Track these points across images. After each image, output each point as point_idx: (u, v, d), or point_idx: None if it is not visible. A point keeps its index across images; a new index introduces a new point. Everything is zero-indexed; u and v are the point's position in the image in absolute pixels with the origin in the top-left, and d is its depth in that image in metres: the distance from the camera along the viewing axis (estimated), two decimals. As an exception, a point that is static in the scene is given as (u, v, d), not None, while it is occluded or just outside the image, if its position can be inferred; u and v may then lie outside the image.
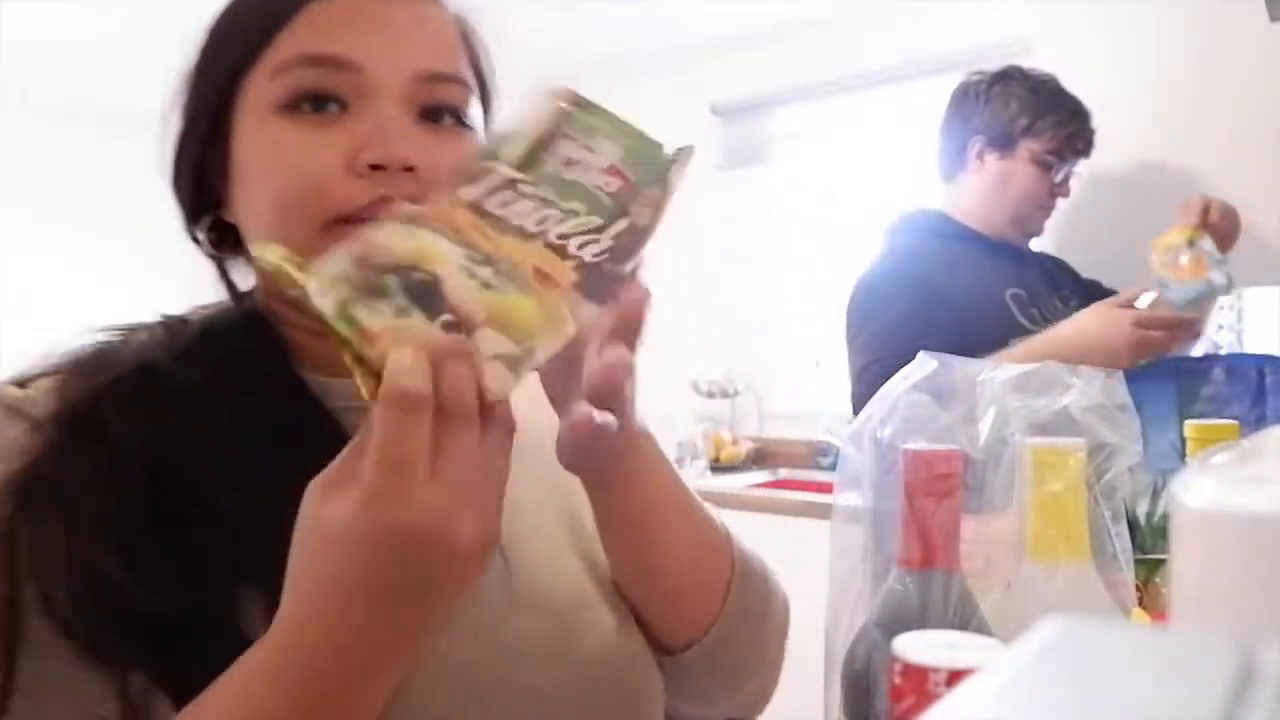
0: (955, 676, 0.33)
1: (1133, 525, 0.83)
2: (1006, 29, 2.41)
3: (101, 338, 0.56)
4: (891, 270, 1.52)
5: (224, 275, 0.60)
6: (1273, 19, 1.42)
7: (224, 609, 0.47)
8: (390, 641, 0.41)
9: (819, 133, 3.05)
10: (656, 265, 0.48)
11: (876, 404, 0.64)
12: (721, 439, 2.97)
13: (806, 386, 3.08)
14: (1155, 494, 0.85)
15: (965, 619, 0.48)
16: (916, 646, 0.35)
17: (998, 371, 0.62)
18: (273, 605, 0.42)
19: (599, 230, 0.46)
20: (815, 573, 0.85)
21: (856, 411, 1.60)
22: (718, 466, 2.89)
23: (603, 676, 0.56)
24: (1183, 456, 0.78)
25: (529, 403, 0.50)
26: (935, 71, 2.72)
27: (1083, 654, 0.20)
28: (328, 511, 0.39)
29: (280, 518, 0.41)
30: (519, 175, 0.46)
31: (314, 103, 0.53)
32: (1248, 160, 1.71)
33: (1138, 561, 0.67)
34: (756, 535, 0.76)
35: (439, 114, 0.56)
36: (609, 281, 0.45)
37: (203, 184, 0.58)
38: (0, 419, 0.49)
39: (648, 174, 0.48)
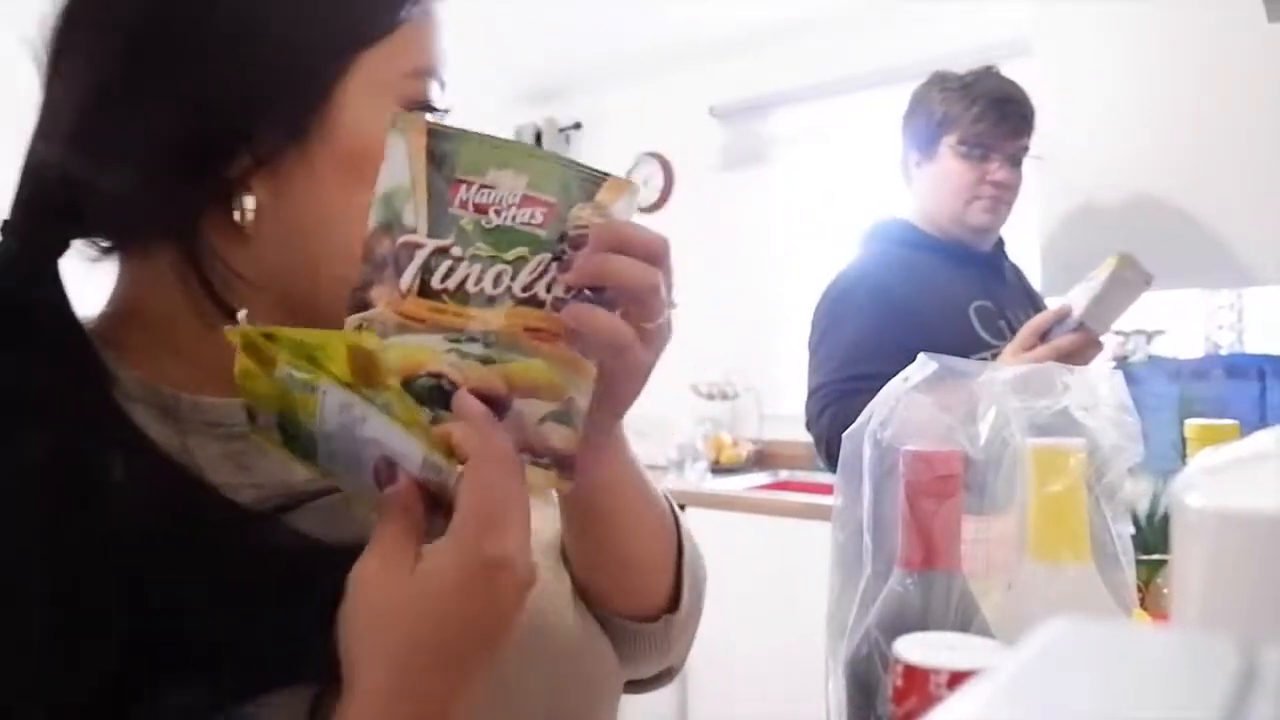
0: (957, 678, 0.33)
1: (1134, 526, 0.83)
2: (1005, 30, 2.42)
3: None
4: (853, 284, 1.50)
5: (205, 253, 0.49)
6: (1271, 19, 1.42)
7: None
8: (470, 675, 0.43)
9: (818, 134, 3.05)
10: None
11: (877, 405, 0.64)
12: (722, 441, 2.97)
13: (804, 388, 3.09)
14: (1156, 494, 0.85)
15: (966, 620, 0.48)
16: (918, 648, 0.35)
17: (998, 372, 0.62)
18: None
19: (552, 264, 0.45)
20: (816, 574, 0.85)
21: (811, 430, 1.57)
22: (718, 469, 2.89)
23: (568, 666, 0.58)
24: (1183, 457, 0.78)
25: None
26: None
27: (1084, 655, 0.20)
28: (420, 576, 0.42)
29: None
30: (441, 242, 0.44)
31: (430, 110, 0.52)
32: (1246, 159, 1.71)
33: (1139, 562, 0.66)
34: (757, 537, 0.76)
35: None
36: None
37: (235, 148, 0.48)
38: None
39: (565, 192, 0.45)
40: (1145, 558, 0.78)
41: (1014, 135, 1.50)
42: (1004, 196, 1.52)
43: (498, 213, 0.44)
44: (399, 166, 0.43)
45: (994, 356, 1.37)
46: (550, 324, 0.45)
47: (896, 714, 0.35)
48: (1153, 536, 0.84)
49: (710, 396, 3.02)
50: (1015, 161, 1.51)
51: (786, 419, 3.05)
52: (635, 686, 0.69)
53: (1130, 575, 0.60)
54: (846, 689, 0.52)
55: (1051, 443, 0.52)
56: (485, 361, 0.44)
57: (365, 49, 0.49)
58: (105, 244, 0.51)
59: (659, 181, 3.27)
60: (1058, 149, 1.71)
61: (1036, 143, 1.55)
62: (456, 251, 0.44)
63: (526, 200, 0.44)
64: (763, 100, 3.09)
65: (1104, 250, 1.75)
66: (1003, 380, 0.61)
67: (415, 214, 0.44)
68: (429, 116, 0.46)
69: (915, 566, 0.48)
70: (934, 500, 0.48)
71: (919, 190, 1.57)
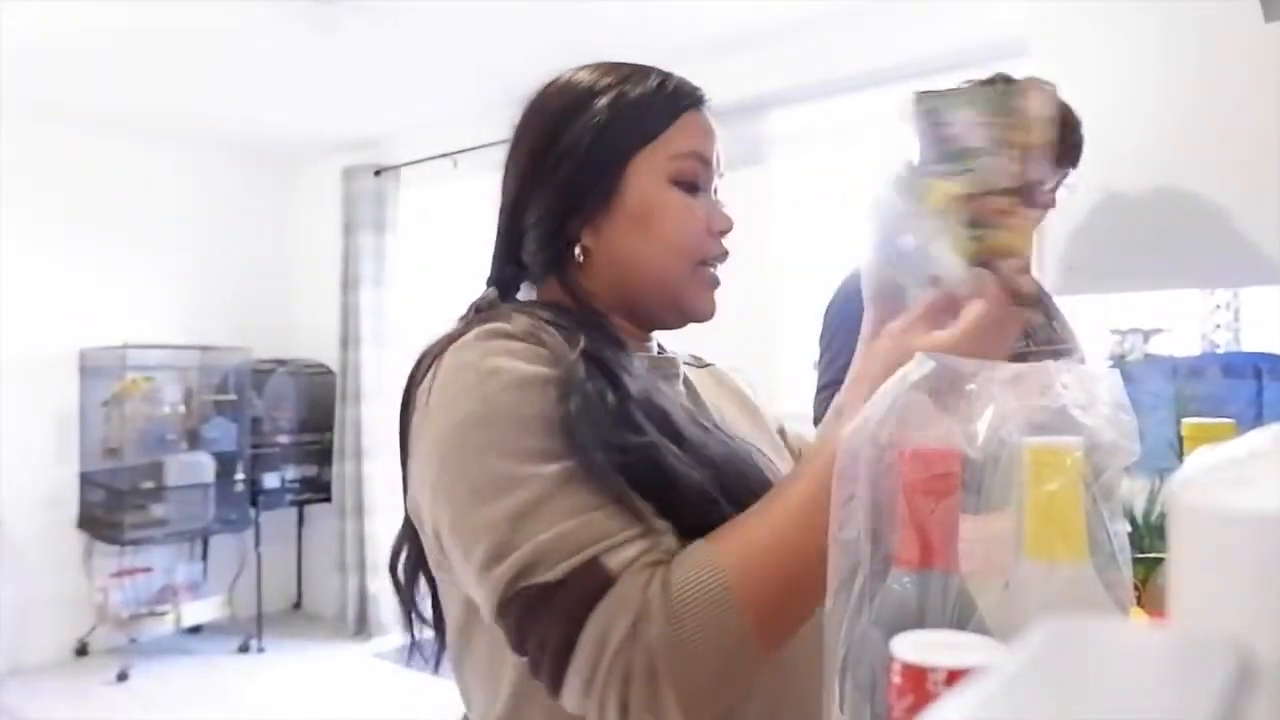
0: (954, 676, 0.33)
1: (1131, 524, 0.83)
2: (1001, 30, 2.42)
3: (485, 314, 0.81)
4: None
5: (567, 276, 0.83)
6: (1267, 19, 1.42)
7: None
8: None
9: (815, 133, 3.05)
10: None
11: (875, 403, 0.64)
12: (720, 440, 2.96)
13: (804, 387, 3.08)
14: (1153, 493, 0.85)
15: (963, 619, 0.48)
16: (915, 646, 0.35)
17: (996, 371, 0.62)
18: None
19: (1002, 165, 0.66)
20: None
21: (818, 427, 1.56)
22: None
23: None
24: (1180, 455, 0.78)
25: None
26: (931, 72, 2.72)
27: (1081, 654, 0.20)
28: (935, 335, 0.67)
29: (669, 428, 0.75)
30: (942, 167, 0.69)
31: (691, 186, 0.83)
32: (1243, 159, 1.71)
33: (1136, 561, 0.67)
34: (755, 536, 0.77)
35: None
36: (1037, 187, 0.67)
37: (577, 219, 0.82)
38: (517, 344, 0.73)
39: (997, 108, 0.67)
40: (1142, 556, 0.78)
41: (1072, 164, 1.51)
42: (1042, 215, 1.52)
43: (965, 136, 0.67)
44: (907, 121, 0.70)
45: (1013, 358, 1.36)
46: (1004, 204, 0.67)
47: (893, 711, 0.35)
48: (1149, 535, 0.84)
49: (708, 395, 3.03)
50: (1055, 187, 1.51)
51: (783, 417, 3.05)
52: None
53: (1127, 574, 0.60)
54: (843, 686, 0.52)
55: (1048, 441, 0.52)
56: (975, 238, 0.67)
57: (640, 149, 0.82)
58: (528, 277, 0.87)
59: (657, 180, 3.27)
60: (1055, 148, 1.71)
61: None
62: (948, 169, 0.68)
63: (978, 124, 0.67)
64: (759, 100, 3.09)
65: (1100, 249, 1.76)
66: (1000, 379, 0.61)
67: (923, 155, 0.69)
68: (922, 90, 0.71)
69: (913, 565, 0.48)
70: (931, 499, 0.48)
71: None
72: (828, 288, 1.60)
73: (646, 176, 0.81)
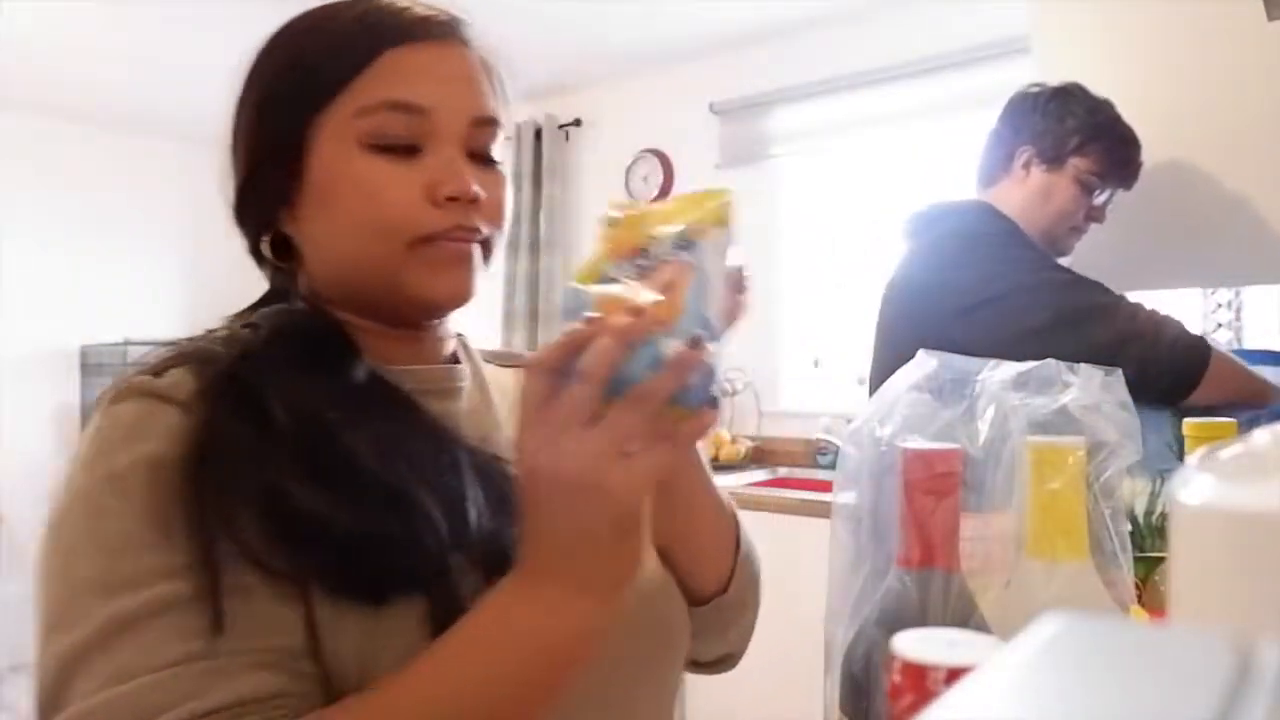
0: (954, 674, 0.33)
1: (1131, 523, 0.83)
2: (1004, 29, 2.41)
3: (191, 339, 0.64)
4: (995, 251, 1.42)
5: (287, 282, 0.69)
6: (1270, 18, 1.42)
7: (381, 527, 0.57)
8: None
9: (817, 132, 3.05)
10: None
11: (876, 403, 0.64)
12: (720, 438, 2.97)
13: (805, 386, 3.08)
14: (1154, 492, 0.85)
15: (964, 617, 0.48)
16: (915, 644, 0.35)
17: (998, 370, 0.62)
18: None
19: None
20: (814, 571, 0.85)
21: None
22: (717, 465, 2.89)
23: (646, 605, 0.64)
24: (1181, 455, 0.78)
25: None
26: (933, 70, 2.72)
27: (1081, 652, 0.20)
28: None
29: (399, 467, 0.58)
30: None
31: (402, 145, 0.63)
32: (1246, 158, 1.71)
33: (1136, 559, 0.67)
34: (756, 533, 0.77)
35: (482, 156, 0.66)
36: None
37: (263, 201, 0.67)
38: (152, 405, 0.56)
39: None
40: (1143, 555, 0.79)
41: (1129, 183, 1.52)
42: (1086, 232, 1.54)
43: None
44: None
45: None
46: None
47: (894, 709, 0.35)
48: (1150, 534, 0.84)
49: (709, 393, 3.03)
50: (1110, 201, 1.52)
51: (785, 416, 3.05)
52: (698, 668, 0.76)
53: (1128, 572, 0.60)
54: (844, 684, 0.52)
55: (1050, 440, 0.52)
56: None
57: (319, 108, 0.63)
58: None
59: (658, 179, 3.27)
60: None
61: None
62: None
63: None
64: (763, 97, 3.09)
65: (1102, 248, 1.76)
66: (1002, 378, 0.61)
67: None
68: None
69: (913, 564, 0.48)
70: (933, 498, 0.48)
71: (1014, 190, 1.52)
72: (832, 284, 1.58)
73: (329, 143, 0.63)
